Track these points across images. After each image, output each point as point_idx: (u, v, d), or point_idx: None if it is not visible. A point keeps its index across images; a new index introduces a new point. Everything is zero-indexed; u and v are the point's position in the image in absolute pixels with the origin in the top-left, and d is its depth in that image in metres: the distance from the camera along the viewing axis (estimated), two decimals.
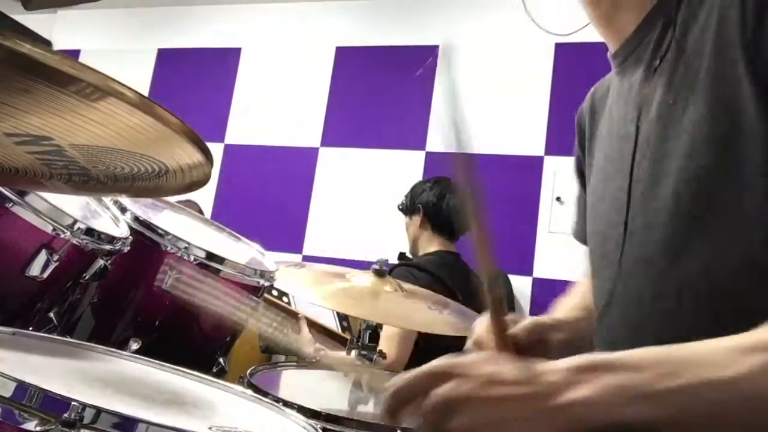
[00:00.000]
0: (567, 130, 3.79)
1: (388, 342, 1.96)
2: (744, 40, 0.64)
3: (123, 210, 1.31)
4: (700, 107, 0.68)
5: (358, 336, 1.72)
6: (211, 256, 1.34)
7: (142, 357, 1.03)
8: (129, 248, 1.21)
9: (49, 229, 1.03)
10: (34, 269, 1.02)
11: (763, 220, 0.63)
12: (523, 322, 0.92)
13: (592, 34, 0.96)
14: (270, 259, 1.56)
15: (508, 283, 3.38)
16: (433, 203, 2.43)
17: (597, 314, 0.84)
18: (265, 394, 1.06)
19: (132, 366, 1.00)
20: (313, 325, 2.30)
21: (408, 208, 2.50)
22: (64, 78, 0.40)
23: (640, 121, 0.78)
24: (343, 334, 2.41)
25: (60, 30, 4.78)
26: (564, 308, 1.04)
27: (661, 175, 0.71)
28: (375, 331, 1.74)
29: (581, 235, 1.05)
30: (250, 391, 1.02)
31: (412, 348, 2.12)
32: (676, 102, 0.71)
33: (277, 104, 4.21)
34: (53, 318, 1.16)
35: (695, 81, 0.69)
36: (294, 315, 2.26)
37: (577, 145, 1.03)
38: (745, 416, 0.52)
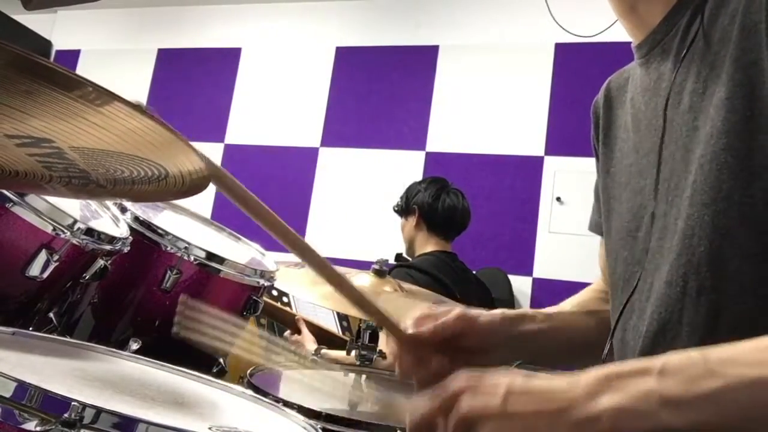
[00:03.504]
0: (567, 130, 3.80)
1: (387, 341, 1.96)
2: None
3: (123, 210, 1.31)
4: (721, 92, 0.68)
5: (357, 336, 1.72)
6: (211, 256, 1.34)
7: (142, 357, 1.04)
8: (129, 248, 1.21)
9: (49, 229, 1.03)
10: (34, 269, 1.02)
11: None
12: (475, 312, 0.91)
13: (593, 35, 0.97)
14: (270, 259, 1.57)
15: (508, 282, 3.38)
16: (428, 203, 2.43)
17: (619, 306, 0.83)
18: (265, 394, 1.06)
19: (132, 366, 1.00)
20: (312, 327, 2.30)
21: (403, 209, 2.50)
22: (68, 82, 0.41)
23: (668, 111, 0.77)
24: (343, 336, 2.41)
25: (60, 30, 4.78)
26: (559, 305, 1.04)
27: (688, 165, 0.71)
28: (375, 331, 1.74)
29: (599, 228, 1.05)
30: (250, 391, 1.02)
31: None
32: (705, 91, 0.71)
33: (277, 104, 4.21)
34: (53, 318, 1.16)
35: (721, 67, 0.69)
36: (291, 317, 2.25)
37: (593, 136, 1.02)
38: None
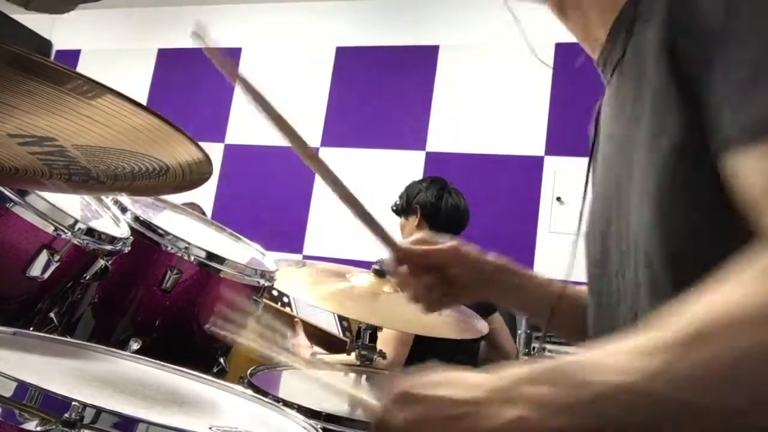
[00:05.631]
0: (567, 130, 3.80)
1: (385, 343, 1.96)
2: (666, 42, 0.65)
3: (123, 210, 1.31)
4: (649, 96, 0.68)
5: (357, 336, 1.72)
6: (211, 256, 1.34)
7: (142, 357, 1.04)
8: (129, 248, 1.21)
9: (49, 229, 1.03)
10: (35, 270, 1.02)
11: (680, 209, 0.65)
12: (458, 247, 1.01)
13: None
14: (270, 259, 1.56)
15: None
16: (431, 203, 2.43)
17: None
18: (265, 394, 1.06)
19: (132, 366, 1.00)
20: (312, 328, 2.29)
21: (404, 208, 2.49)
22: (60, 76, 0.41)
23: (598, 125, 0.82)
24: (343, 338, 2.40)
25: (60, 30, 4.78)
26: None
27: (627, 171, 0.72)
28: (375, 331, 1.75)
29: None
30: (250, 391, 1.02)
31: (409, 349, 2.12)
32: (636, 97, 0.71)
33: (276, 104, 4.21)
34: (54, 318, 1.16)
35: (649, 72, 0.69)
36: (291, 319, 2.24)
37: None
38: (665, 420, 0.52)
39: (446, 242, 1.00)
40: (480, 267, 1.02)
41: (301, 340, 2.18)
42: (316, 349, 2.18)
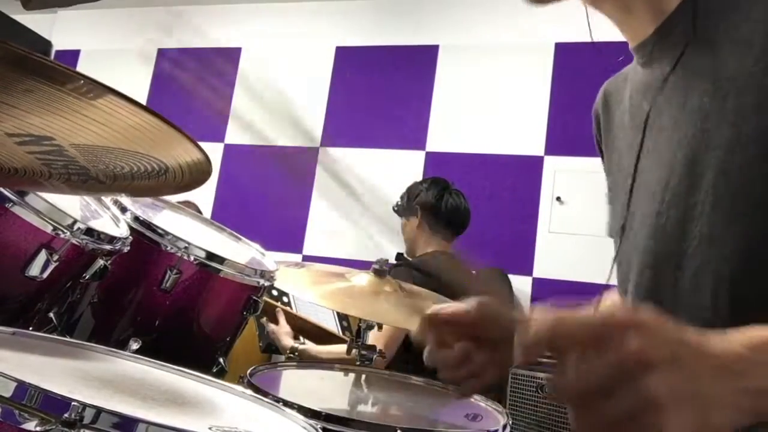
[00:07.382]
0: (567, 130, 3.81)
1: (376, 339, 1.95)
2: None
3: (123, 210, 1.31)
4: (747, 97, 0.66)
5: (357, 335, 1.72)
6: (211, 256, 1.34)
7: (142, 357, 1.03)
8: (129, 248, 1.21)
9: (49, 229, 1.03)
10: (34, 269, 1.02)
11: None
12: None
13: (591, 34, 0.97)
14: (270, 259, 1.56)
15: (508, 282, 3.38)
16: (431, 204, 2.43)
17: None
18: (265, 394, 1.06)
19: (132, 366, 1.00)
20: (312, 327, 2.29)
21: (405, 209, 2.49)
22: (60, 75, 0.41)
23: (652, 111, 0.77)
24: (342, 336, 2.40)
25: (60, 30, 4.78)
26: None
27: (699, 167, 0.70)
28: (375, 329, 1.75)
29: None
30: (250, 391, 1.02)
31: (398, 347, 2.13)
32: (715, 93, 0.69)
33: (276, 104, 4.21)
34: (53, 318, 1.16)
35: (741, 70, 0.67)
36: (273, 308, 2.21)
37: (597, 141, 1.01)
38: None
39: (472, 301, 0.88)
40: (509, 316, 0.93)
41: (283, 328, 2.16)
42: (301, 338, 2.17)
